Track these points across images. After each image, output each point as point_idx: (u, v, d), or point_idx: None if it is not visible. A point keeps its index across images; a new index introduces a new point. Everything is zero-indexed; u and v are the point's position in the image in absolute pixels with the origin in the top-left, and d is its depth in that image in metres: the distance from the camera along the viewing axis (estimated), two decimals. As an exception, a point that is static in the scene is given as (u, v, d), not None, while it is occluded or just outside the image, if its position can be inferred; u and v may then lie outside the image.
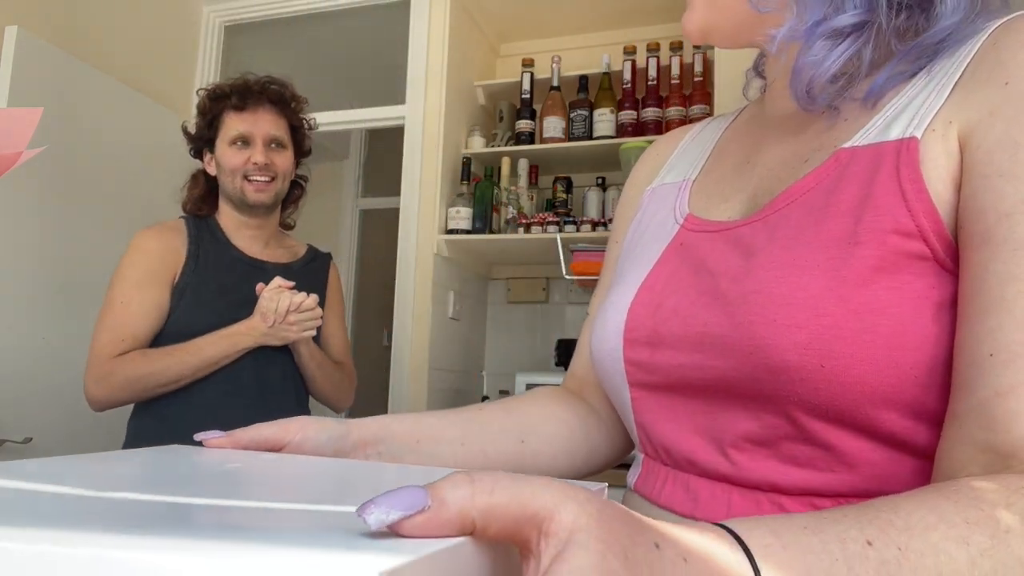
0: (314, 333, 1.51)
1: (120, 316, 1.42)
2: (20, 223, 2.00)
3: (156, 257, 1.48)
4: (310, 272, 1.67)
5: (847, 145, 0.49)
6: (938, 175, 0.43)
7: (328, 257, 1.76)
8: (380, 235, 4.05)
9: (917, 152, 0.44)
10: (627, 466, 0.65)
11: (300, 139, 1.66)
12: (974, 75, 0.45)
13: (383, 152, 4.13)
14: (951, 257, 0.43)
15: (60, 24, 2.20)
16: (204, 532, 0.23)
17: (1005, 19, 0.46)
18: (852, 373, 0.42)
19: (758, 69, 0.66)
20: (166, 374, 1.41)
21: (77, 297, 2.12)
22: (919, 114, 0.46)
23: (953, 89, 0.45)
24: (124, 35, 2.43)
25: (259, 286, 1.46)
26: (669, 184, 0.66)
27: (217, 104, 1.56)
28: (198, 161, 1.63)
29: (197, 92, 1.67)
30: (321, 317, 1.51)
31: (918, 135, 0.45)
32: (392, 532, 0.23)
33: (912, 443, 0.43)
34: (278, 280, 1.46)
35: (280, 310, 1.43)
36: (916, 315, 0.42)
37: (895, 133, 0.46)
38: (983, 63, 0.45)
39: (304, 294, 1.46)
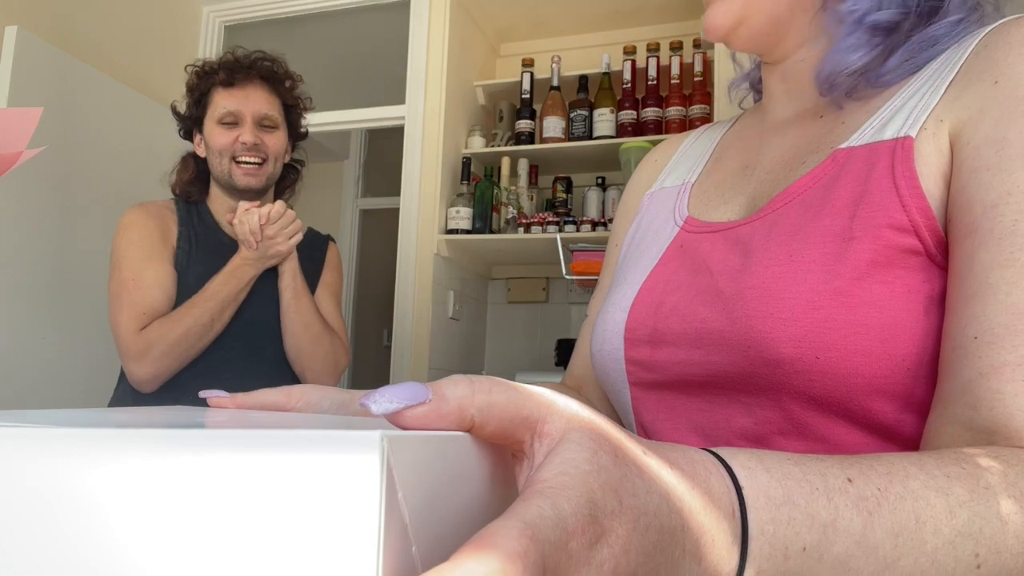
0: (300, 238, 1.47)
1: (135, 293, 1.39)
2: (19, 223, 2.00)
3: (156, 232, 1.44)
4: (306, 255, 1.60)
5: (844, 146, 0.50)
6: (929, 172, 0.45)
7: (327, 239, 1.71)
8: (380, 235, 4.06)
9: (912, 151, 0.46)
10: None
11: (294, 119, 1.55)
12: (966, 75, 0.46)
13: (383, 152, 4.13)
14: (941, 252, 0.44)
15: (60, 24, 2.20)
16: (206, 441, 0.23)
17: (998, 23, 0.47)
18: (846, 364, 0.43)
19: (751, 78, 0.67)
20: (199, 324, 1.37)
21: (76, 297, 2.12)
22: (913, 114, 0.47)
23: (946, 90, 0.47)
24: (124, 35, 2.43)
25: (227, 216, 1.44)
26: (668, 188, 0.67)
27: (205, 80, 1.49)
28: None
29: (185, 68, 1.57)
30: (301, 232, 1.47)
31: (913, 134, 0.46)
32: (394, 424, 0.24)
33: (902, 433, 0.44)
34: (243, 204, 1.42)
35: (254, 229, 1.39)
36: (908, 308, 0.43)
37: (890, 133, 0.48)
38: (975, 64, 0.46)
39: (269, 204, 1.42)
